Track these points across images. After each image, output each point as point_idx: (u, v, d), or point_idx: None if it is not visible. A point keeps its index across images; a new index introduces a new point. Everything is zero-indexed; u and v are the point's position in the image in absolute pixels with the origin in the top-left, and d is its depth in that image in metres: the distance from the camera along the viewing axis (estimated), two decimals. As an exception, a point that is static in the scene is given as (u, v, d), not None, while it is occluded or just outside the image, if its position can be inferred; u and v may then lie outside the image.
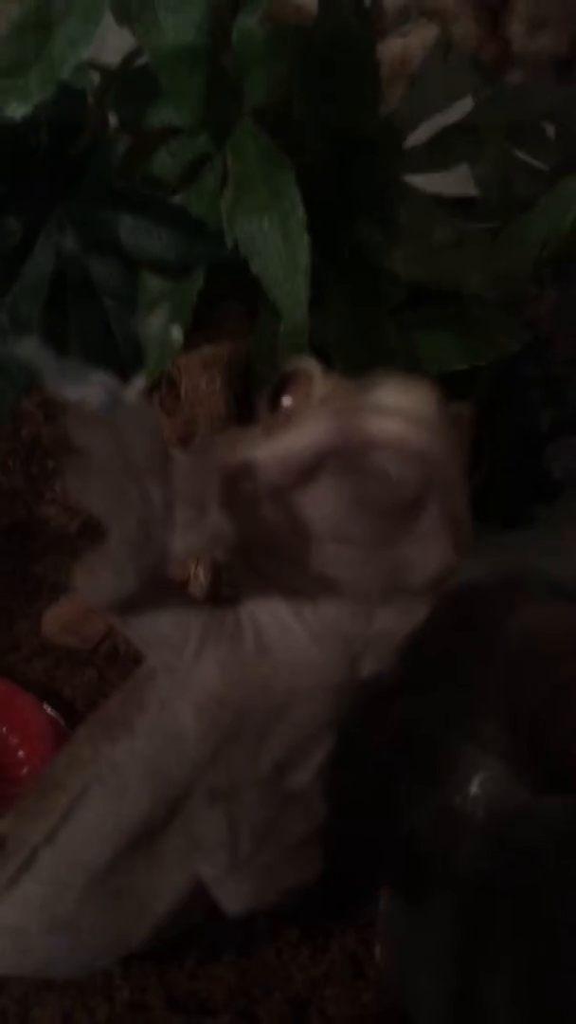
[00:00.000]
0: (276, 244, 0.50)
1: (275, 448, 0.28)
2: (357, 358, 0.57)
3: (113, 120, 0.54)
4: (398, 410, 0.26)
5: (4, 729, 0.56)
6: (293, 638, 0.32)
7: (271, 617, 0.32)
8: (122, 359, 0.54)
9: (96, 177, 0.53)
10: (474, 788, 0.36)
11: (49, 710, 0.58)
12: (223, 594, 0.32)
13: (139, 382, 0.27)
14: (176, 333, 0.54)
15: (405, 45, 0.56)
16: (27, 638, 0.64)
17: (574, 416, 0.69)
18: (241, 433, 0.30)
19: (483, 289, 0.61)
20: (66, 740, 0.56)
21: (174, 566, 0.29)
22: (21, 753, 0.55)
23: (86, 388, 0.25)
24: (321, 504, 0.28)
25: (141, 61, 0.52)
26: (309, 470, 0.27)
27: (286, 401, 0.28)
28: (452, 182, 0.65)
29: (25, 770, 0.54)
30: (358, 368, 0.56)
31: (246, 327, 0.57)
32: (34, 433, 0.72)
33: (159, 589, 0.29)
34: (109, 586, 0.29)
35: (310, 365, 0.29)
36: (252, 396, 0.56)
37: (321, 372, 0.29)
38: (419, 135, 0.58)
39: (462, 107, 0.59)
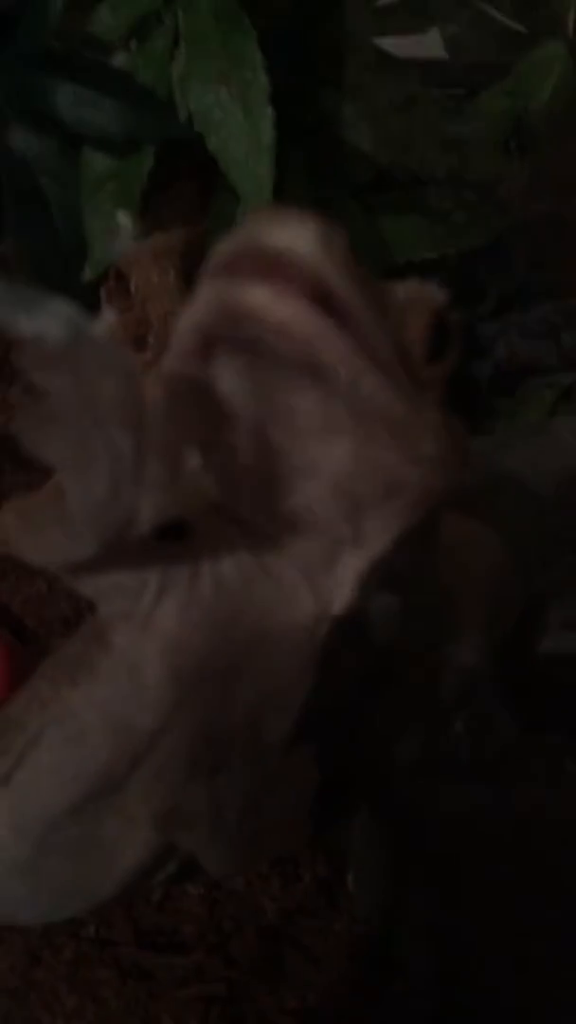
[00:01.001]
0: (236, 118, 0.45)
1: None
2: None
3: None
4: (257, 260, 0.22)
5: (-49, 648, 0.53)
6: (252, 578, 0.29)
7: (228, 559, 0.29)
8: (64, 250, 0.49)
9: (29, 37, 0.46)
10: (458, 725, 0.35)
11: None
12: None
13: (107, 316, 0.22)
14: (124, 219, 0.49)
15: None
16: (-30, 547, 0.60)
17: (520, 290, 0.65)
18: None
19: (454, 169, 0.56)
20: (16, 657, 0.54)
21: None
22: (-30, 673, 0.52)
23: (44, 320, 0.21)
24: (231, 391, 0.24)
25: None
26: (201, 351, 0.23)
27: None
28: (418, 43, 0.60)
29: (-25, 691, 0.52)
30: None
31: (200, 211, 0.52)
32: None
33: (118, 547, 0.26)
34: (61, 550, 0.25)
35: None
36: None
37: None
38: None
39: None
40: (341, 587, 0.29)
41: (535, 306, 0.63)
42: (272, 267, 0.23)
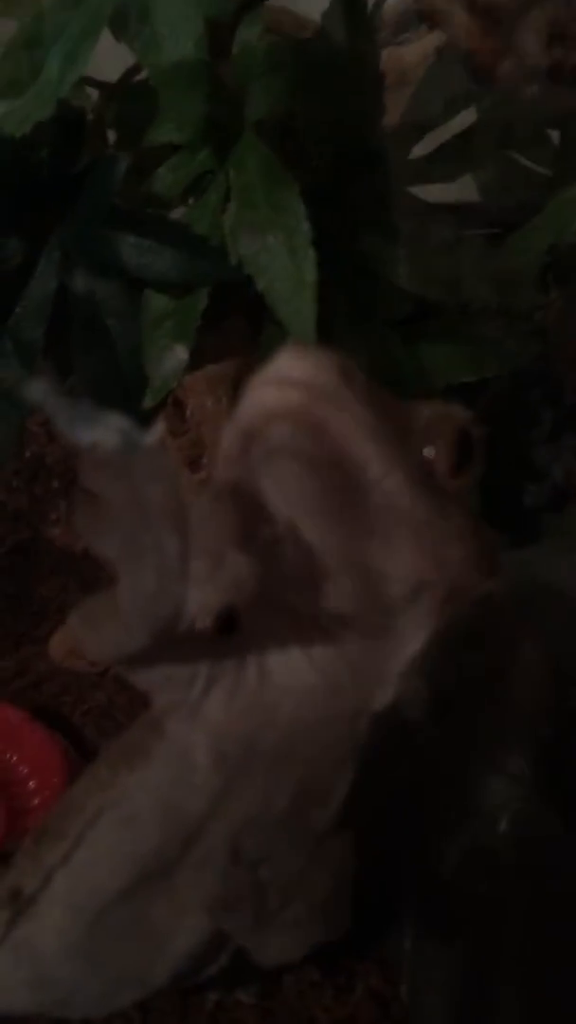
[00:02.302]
0: (281, 261, 0.50)
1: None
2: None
3: (112, 138, 0.53)
4: (285, 379, 0.26)
5: (14, 758, 0.55)
6: (297, 669, 0.31)
7: (274, 650, 0.31)
8: (126, 380, 0.53)
9: (97, 196, 0.51)
10: (503, 824, 0.35)
11: (59, 737, 0.57)
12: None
13: (157, 428, 0.26)
14: (181, 353, 0.53)
15: (407, 54, 0.55)
16: (34, 662, 0.63)
17: (573, 413, 0.67)
18: None
19: (489, 299, 0.60)
20: (77, 768, 0.56)
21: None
22: (32, 784, 0.54)
23: (100, 431, 0.24)
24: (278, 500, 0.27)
25: (140, 77, 0.51)
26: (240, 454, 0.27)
27: None
28: (453, 188, 0.64)
29: (36, 801, 0.53)
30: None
31: (250, 344, 0.56)
32: (38, 453, 0.71)
33: (168, 640, 0.28)
34: (117, 643, 0.28)
35: None
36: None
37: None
38: (424, 144, 0.57)
39: (466, 115, 0.58)
40: (381, 684, 0.31)
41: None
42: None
